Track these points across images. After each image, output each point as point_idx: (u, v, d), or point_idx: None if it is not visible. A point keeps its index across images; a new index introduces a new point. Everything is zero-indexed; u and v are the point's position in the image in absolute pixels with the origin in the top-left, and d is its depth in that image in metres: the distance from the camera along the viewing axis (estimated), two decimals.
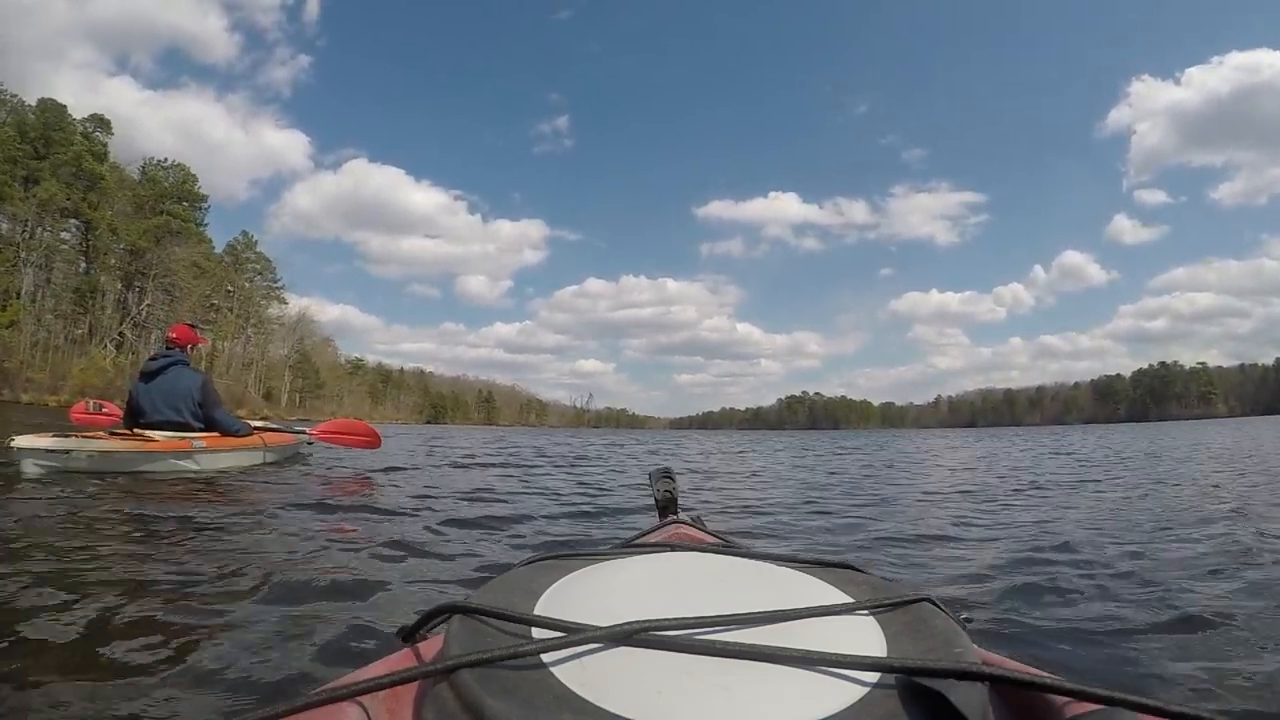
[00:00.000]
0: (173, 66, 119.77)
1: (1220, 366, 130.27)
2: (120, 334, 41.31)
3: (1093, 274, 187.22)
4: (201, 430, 4.50)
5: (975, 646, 0.46)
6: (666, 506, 1.27)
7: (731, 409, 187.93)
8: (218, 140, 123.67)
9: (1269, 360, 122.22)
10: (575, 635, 0.42)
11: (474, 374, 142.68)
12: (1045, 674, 0.41)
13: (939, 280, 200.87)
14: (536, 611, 0.48)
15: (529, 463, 7.47)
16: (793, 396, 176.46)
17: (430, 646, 0.52)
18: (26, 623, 1.28)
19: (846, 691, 0.38)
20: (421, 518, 2.87)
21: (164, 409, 4.44)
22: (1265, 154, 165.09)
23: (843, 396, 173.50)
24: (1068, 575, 1.90)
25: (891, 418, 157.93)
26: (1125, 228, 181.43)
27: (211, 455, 4.38)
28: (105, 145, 41.89)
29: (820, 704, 0.37)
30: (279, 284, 56.54)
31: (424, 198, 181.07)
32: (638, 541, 0.84)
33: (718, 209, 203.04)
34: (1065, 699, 0.41)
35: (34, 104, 38.90)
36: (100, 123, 42.20)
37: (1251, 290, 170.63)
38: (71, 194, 37.70)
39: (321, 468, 5.09)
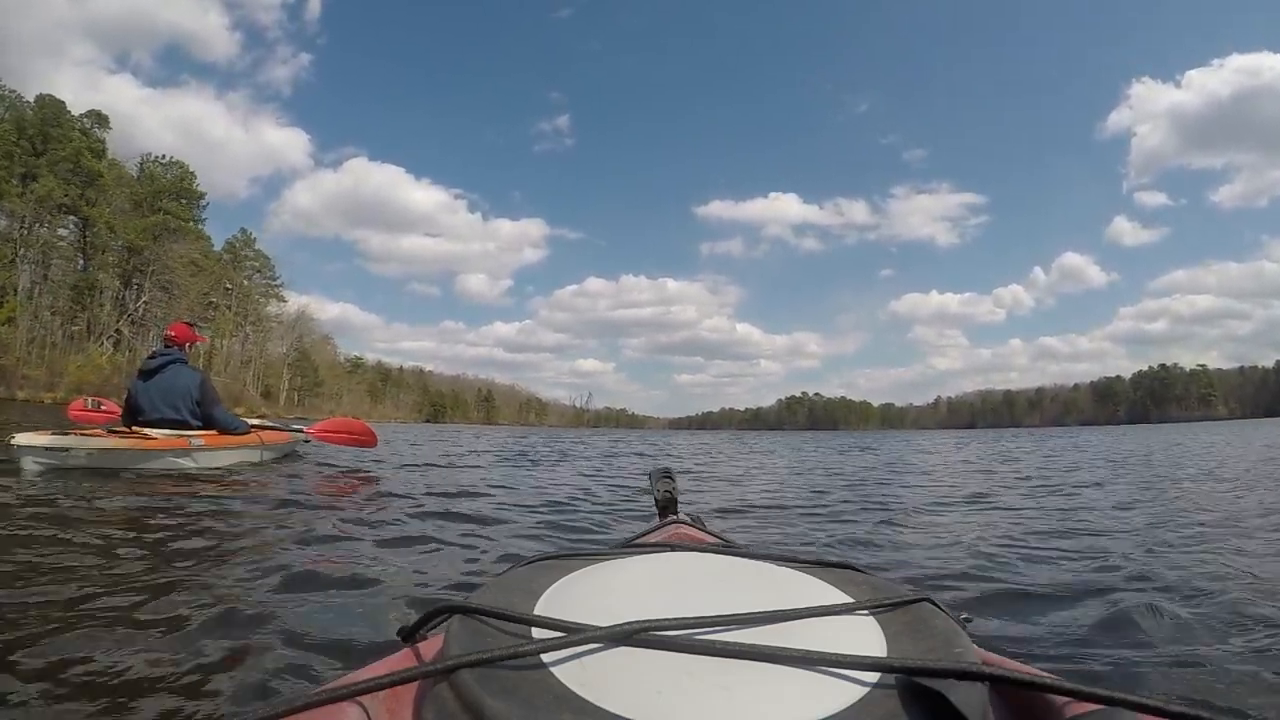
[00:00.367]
0: (173, 64, 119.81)
1: (1220, 369, 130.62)
2: (117, 331, 41.23)
3: (1092, 276, 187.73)
4: (200, 428, 4.51)
5: (975, 646, 0.46)
6: (666, 506, 1.27)
7: (731, 409, 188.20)
8: (218, 138, 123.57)
9: (1269, 362, 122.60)
10: (575, 635, 0.42)
11: (473, 373, 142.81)
12: (1045, 674, 0.41)
13: (939, 281, 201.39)
14: (536, 611, 0.48)
15: (527, 461, 7.47)
16: (792, 397, 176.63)
17: (430, 646, 0.52)
18: (23, 621, 1.28)
19: (846, 691, 0.38)
20: (419, 516, 2.87)
21: (162, 407, 4.45)
22: (1265, 156, 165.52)
23: (842, 397, 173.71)
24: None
25: (891, 419, 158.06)
26: (1125, 229, 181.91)
27: (209, 453, 4.40)
28: (103, 142, 41.79)
29: (820, 704, 0.37)
30: (278, 282, 56.54)
31: (424, 196, 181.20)
32: (638, 541, 0.84)
33: (718, 209, 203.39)
34: (1065, 699, 0.41)
35: (32, 100, 38.87)
36: (98, 119, 42.10)
37: (1251, 292, 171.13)
38: (69, 190, 37.63)
39: (318, 466, 5.09)
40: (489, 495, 3.87)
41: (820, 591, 0.54)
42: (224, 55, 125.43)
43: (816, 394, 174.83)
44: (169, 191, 46.01)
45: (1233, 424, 49.35)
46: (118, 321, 41.54)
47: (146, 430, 4.24)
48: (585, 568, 0.59)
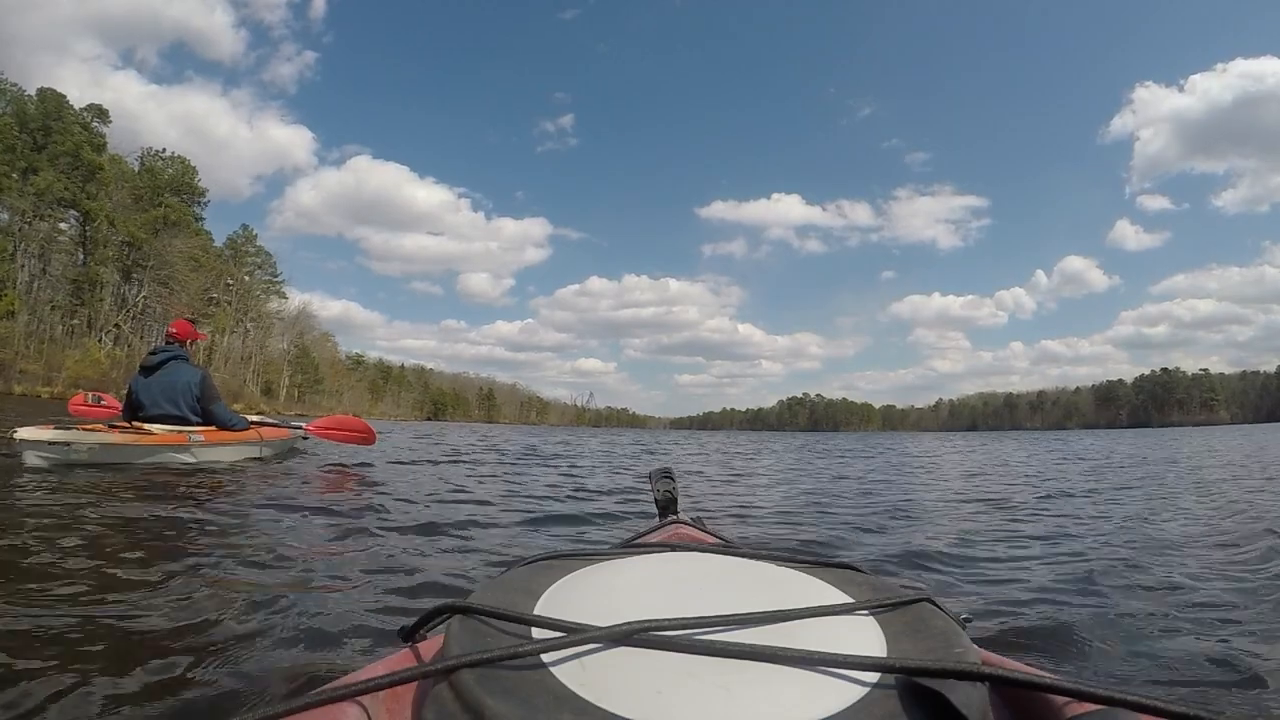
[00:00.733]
0: (178, 61, 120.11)
1: (1222, 373, 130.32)
2: (116, 326, 41.17)
3: (1094, 279, 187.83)
4: (200, 424, 4.53)
5: (975, 646, 0.46)
6: (666, 506, 1.27)
7: (732, 410, 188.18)
8: (222, 136, 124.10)
9: (1270, 367, 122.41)
10: (575, 635, 0.42)
11: (475, 371, 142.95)
12: (1045, 674, 0.41)
13: (940, 283, 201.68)
14: (536, 611, 0.48)
15: (527, 460, 7.47)
16: (793, 398, 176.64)
17: (430, 646, 0.52)
18: (22, 618, 1.28)
19: (847, 692, 0.38)
20: (417, 514, 2.87)
21: (163, 403, 4.47)
22: (1268, 162, 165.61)
23: (843, 399, 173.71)
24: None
25: (892, 420, 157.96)
26: (1127, 233, 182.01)
27: (209, 449, 4.42)
28: (103, 136, 41.62)
29: (820, 704, 0.37)
30: (279, 278, 56.49)
31: (427, 195, 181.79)
32: (638, 541, 0.84)
33: (720, 210, 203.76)
34: (1065, 699, 0.41)
35: (34, 94, 38.81)
36: (99, 113, 41.90)
37: (1253, 298, 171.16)
38: (69, 185, 37.56)
39: (317, 463, 5.10)
40: (488, 494, 3.87)
41: (820, 591, 0.54)
42: (229, 53, 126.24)
43: (817, 395, 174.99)
44: (170, 186, 45.93)
45: (1238, 429, 49.01)
46: (117, 316, 41.47)
47: (147, 426, 4.27)
48: (585, 568, 0.59)
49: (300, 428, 5.63)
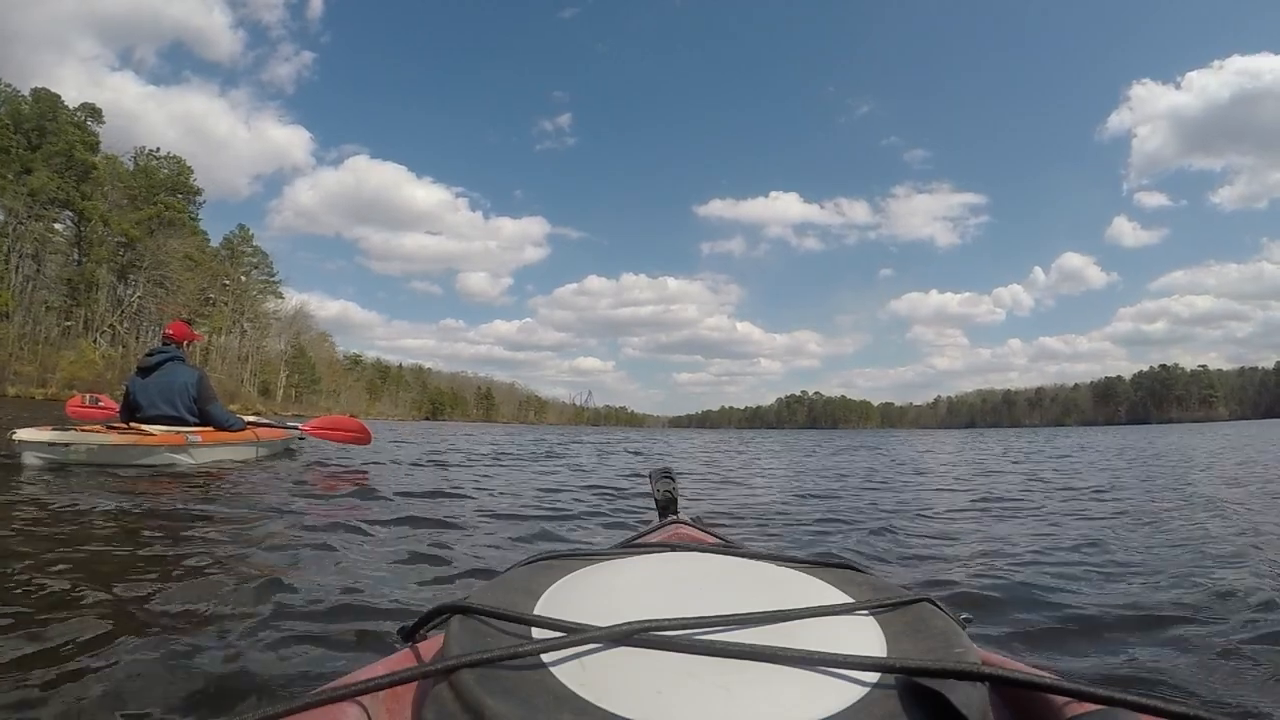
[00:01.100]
0: (176, 62, 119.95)
1: (1220, 369, 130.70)
2: (111, 326, 41.02)
3: (1092, 276, 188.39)
4: (197, 425, 4.55)
5: (975, 646, 0.46)
6: (666, 506, 1.27)
7: (730, 408, 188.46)
8: (221, 136, 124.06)
9: (1269, 364, 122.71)
10: (575, 635, 0.42)
11: (473, 371, 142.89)
12: (1045, 674, 0.41)
13: (939, 281, 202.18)
14: (536, 611, 0.48)
15: (525, 459, 7.47)
16: (792, 396, 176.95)
17: (430, 646, 0.52)
18: (22, 617, 1.27)
19: (847, 692, 0.38)
20: (415, 513, 2.86)
21: (160, 404, 4.49)
22: (1265, 158, 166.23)
23: (842, 396, 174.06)
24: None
25: (891, 418, 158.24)
26: (1125, 230, 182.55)
27: (206, 449, 4.44)
28: (97, 135, 41.38)
29: (821, 704, 0.37)
30: (275, 278, 56.35)
31: (425, 194, 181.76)
32: (638, 541, 0.84)
33: (719, 208, 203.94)
34: (1065, 699, 0.41)
35: (29, 94, 38.62)
36: (92, 112, 41.60)
37: (1251, 294, 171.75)
38: (63, 184, 37.37)
39: (313, 463, 5.10)
40: (486, 493, 3.87)
41: (820, 591, 0.54)
42: (227, 53, 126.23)
43: (816, 393, 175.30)
44: (165, 185, 45.72)
45: (1236, 425, 49.08)
46: (112, 317, 41.30)
47: (145, 427, 4.29)
48: (585, 568, 0.59)
49: (296, 428, 5.66)
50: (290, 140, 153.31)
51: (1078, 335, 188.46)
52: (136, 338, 41.35)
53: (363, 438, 5.62)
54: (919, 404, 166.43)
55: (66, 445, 3.74)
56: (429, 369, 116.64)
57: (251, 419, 5.37)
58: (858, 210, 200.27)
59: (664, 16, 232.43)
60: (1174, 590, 1.75)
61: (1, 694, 0.97)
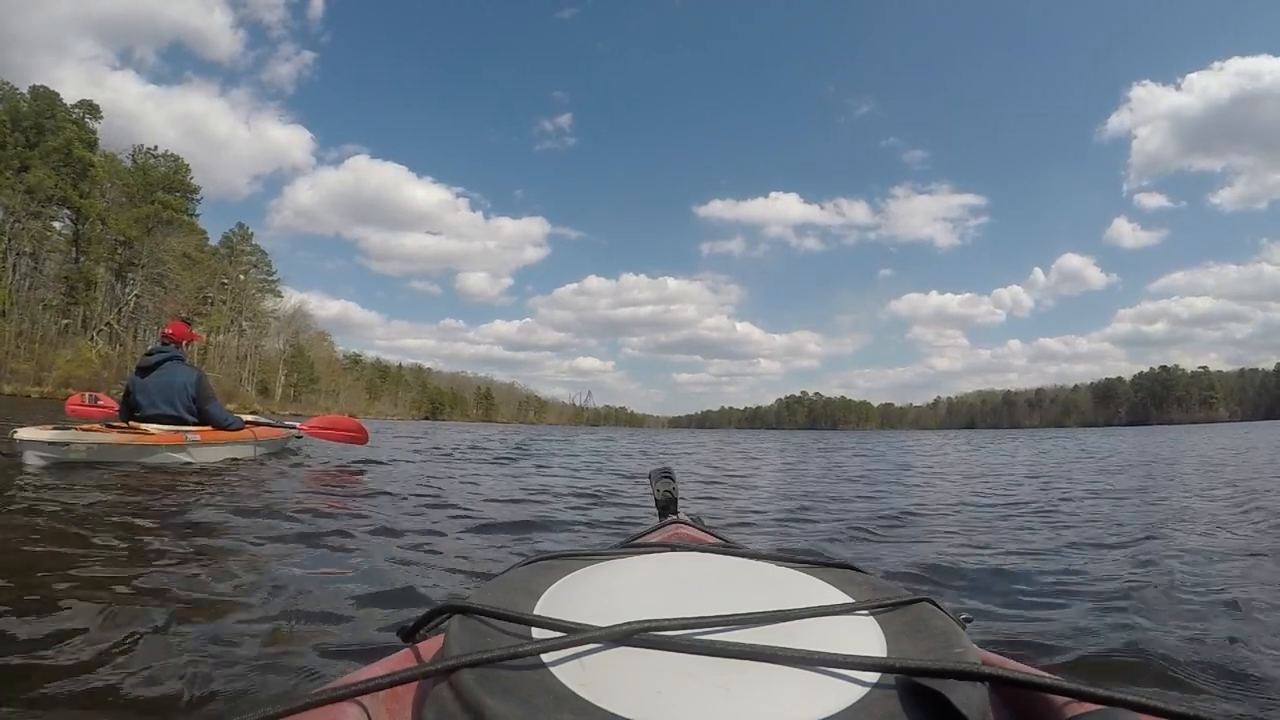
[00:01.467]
0: (176, 62, 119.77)
1: (1220, 371, 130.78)
2: (108, 325, 40.93)
3: (1092, 277, 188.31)
4: (195, 424, 4.58)
5: (975, 646, 0.46)
6: (666, 506, 1.27)
7: (730, 408, 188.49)
8: (221, 136, 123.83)
9: (1269, 365, 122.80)
10: (575, 635, 0.42)
11: (473, 371, 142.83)
12: (1045, 674, 0.41)
13: (938, 282, 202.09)
14: (536, 611, 0.48)
15: (522, 459, 7.47)
16: (791, 396, 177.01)
17: (430, 646, 0.52)
18: (20, 615, 1.27)
19: (847, 692, 0.38)
20: (412, 514, 2.87)
21: (160, 403, 4.52)
22: (1265, 159, 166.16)
23: (842, 397, 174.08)
24: None
25: (890, 418, 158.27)
26: (1125, 231, 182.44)
27: (204, 449, 4.46)
28: (95, 132, 41.23)
29: (820, 704, 0.37)
30: (274, 277, 56.30)
31: (425, 194, 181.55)
32: (638, 541, 0.84)
33: (719, 208, 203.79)
34: (1065, 699, 0.41)
35: (26, 92, 38.52)
36: (90, 109, 41.42)
37: (1251, 295, 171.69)
38: (61, 181, 37.26)
39: (310, 462, 5.11)
40: (484, 493, 3.87)
41: (820, 591, 0.54)
42: (227, 53, 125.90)
43: (816, 393, 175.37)
44: (163, 184, 45.59)
45: (1242, 425, 48.83)
46: (109, 315, 41.19)
47: (144, 426, 4.32)
48: (585, 568, 0.59)
49: (294, 427, 5.69)
50: (290, 140, 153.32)
51: (1077, 336, 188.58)
52: (134, 336, 41.26)
53: (360, 437, 5.65)
54: (919, 405, 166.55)
55: (67, 444, 3.76)
56: (429, 369, 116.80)
57: (250, 418, 5.40)
58: (857, 211, 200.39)
59: (664, 16, 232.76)
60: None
61: (2, 693, 0.97)
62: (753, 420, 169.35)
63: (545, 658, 0.41)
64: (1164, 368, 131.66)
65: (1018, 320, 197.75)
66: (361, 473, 4.61)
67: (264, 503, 2.88)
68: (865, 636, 0.46)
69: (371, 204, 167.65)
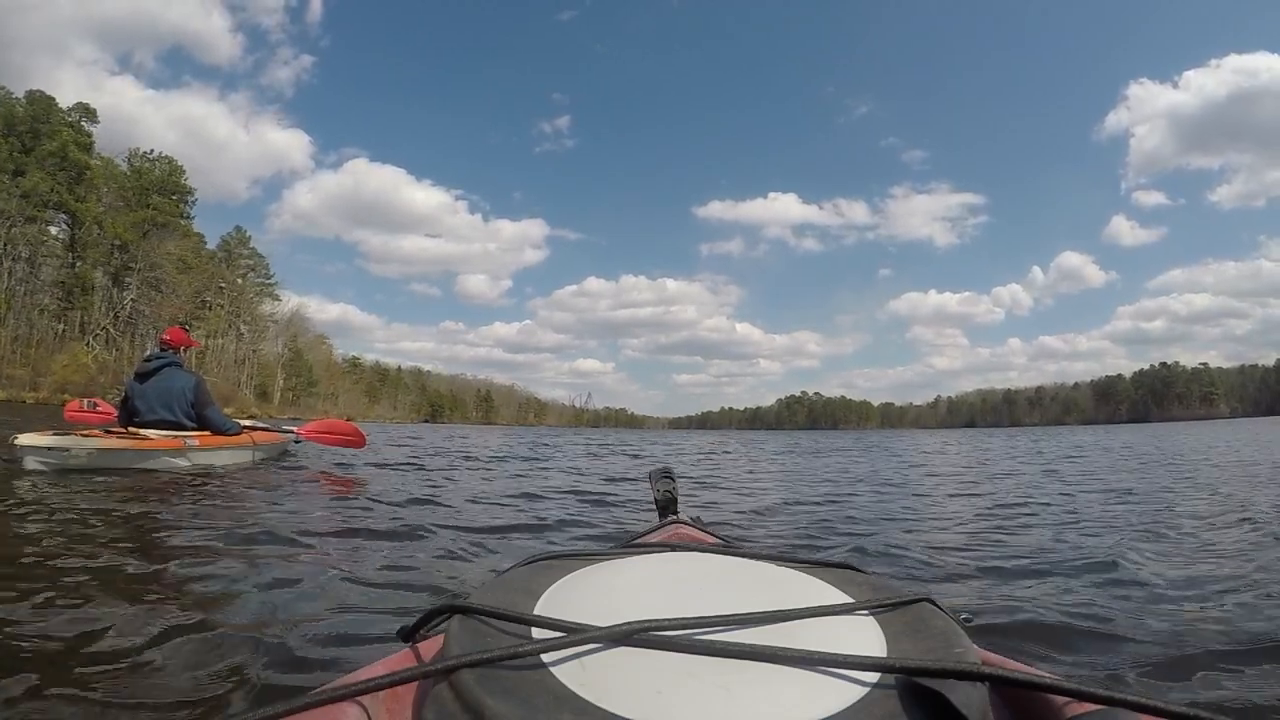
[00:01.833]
0: (175, 66, 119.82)
1: (1220, 367, 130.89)
2: (104, 329, 40.87)
3: (1091, 275, 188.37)
4: (194, 429, 4.58)
5: (975, 646, 0.46)
6: (666, 506, 1.27)
7: (730, 409, 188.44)
8: (220, 140, 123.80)
9: (1269, 361, 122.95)
10: (575, 635, 0.41)
11: (473, 373, 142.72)
12: (1045, 674, 0.41)
13: (938, 281, 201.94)
14: (536, 611, 0.48)
15: (521, 460, 7.47)
16: (792, 396, 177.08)
17: (430, 646, 0.52)
18: (20, 618, 1.27)
19: (847, 692, 0.38)
20: (410, 515, 2.86)
21: (158, 408, 4.53)
22: (1263, 157, 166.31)
23: (842, 396, 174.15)
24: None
25: (891, 418, 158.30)
26: (1124, 229, 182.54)
27: (203, 453, 4.47)
28: (90, 135, 41.17)
29: (820, 704, 0.37)
30: (272, 280, 56.29)
31: (425, 197, 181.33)
32: (638, 541, 0.84)
33: (718, 209, 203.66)
34: (1065, 699, 0.41)
35: (22, 96, 38.44)
36: (85, 112, 41.39)
37: (1250, 292, 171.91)
38: (56, 185, 37.18)
39: (308, 466, 5.12)
40: (483, 494, 3.87)
41: (820, 591, 0.54)
42: (226, 57, 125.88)
43: (816, 393, 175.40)
44: (158, 186, 45.51)
45: (1237, 423, 48.80)
46: (105, 320, 41.12)
47: (143, 431, 4.34)
48: (585, 568, 0.59)
49: (292, 431, 5.70)
50: (289, 143, 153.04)
51: (1077, 334, 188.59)
52: (130, 341, 41.21)
53: (357, 441, 5.67)
54: (919, 404, 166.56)
55: (67, 450, 3.78)
56: (428, 371, 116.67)
57: (248, 423, 5.41)
58: (856, 211, 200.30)
59: (663, 17, 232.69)
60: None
61: (2, 692, 0.97)
62: (753, 421, 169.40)
63: (545, 658, 0.40)
64: (1164, 365, 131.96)
65: (1017, 319, 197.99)
66: (358, 476, 4.62)
67: (262, 506, 2.88)
68: (865, 636, 0.46)
69: (371, 207, 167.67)
